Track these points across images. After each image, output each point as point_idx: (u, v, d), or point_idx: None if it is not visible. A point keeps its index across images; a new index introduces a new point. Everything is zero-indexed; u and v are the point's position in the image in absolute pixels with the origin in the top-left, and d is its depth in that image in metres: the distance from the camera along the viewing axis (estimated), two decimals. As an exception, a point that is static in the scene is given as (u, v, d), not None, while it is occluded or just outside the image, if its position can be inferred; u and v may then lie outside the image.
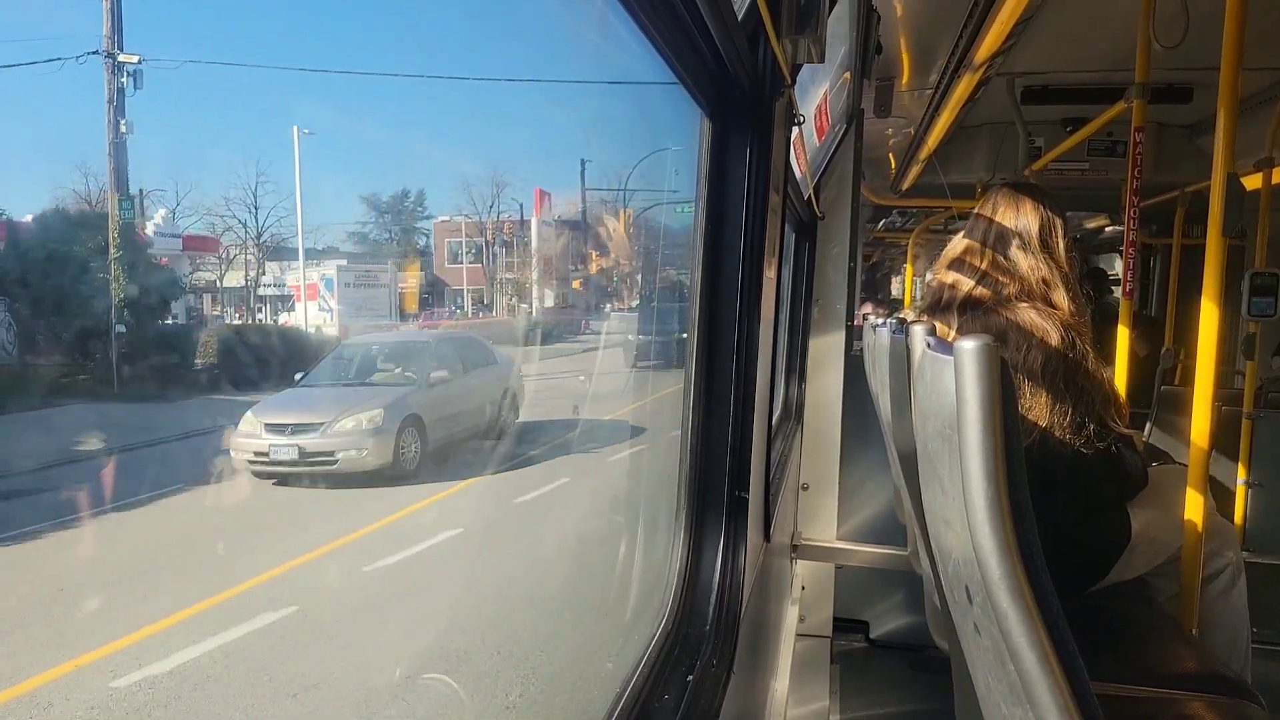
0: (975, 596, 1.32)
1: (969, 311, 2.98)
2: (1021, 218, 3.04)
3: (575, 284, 39.02)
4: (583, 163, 34.65)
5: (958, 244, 3.20)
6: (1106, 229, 11.02)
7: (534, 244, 37.78)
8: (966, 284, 3.04)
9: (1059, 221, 3.06)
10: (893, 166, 8.63)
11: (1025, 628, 1.18)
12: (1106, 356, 4.30)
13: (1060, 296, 2.97)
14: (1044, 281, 2.98)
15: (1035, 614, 1.18)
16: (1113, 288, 11.07)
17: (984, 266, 3.04)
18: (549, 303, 37.66)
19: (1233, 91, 2.91)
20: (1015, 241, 3.02)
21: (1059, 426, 2.77)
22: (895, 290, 28.69)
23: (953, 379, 1.24)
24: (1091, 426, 2.78)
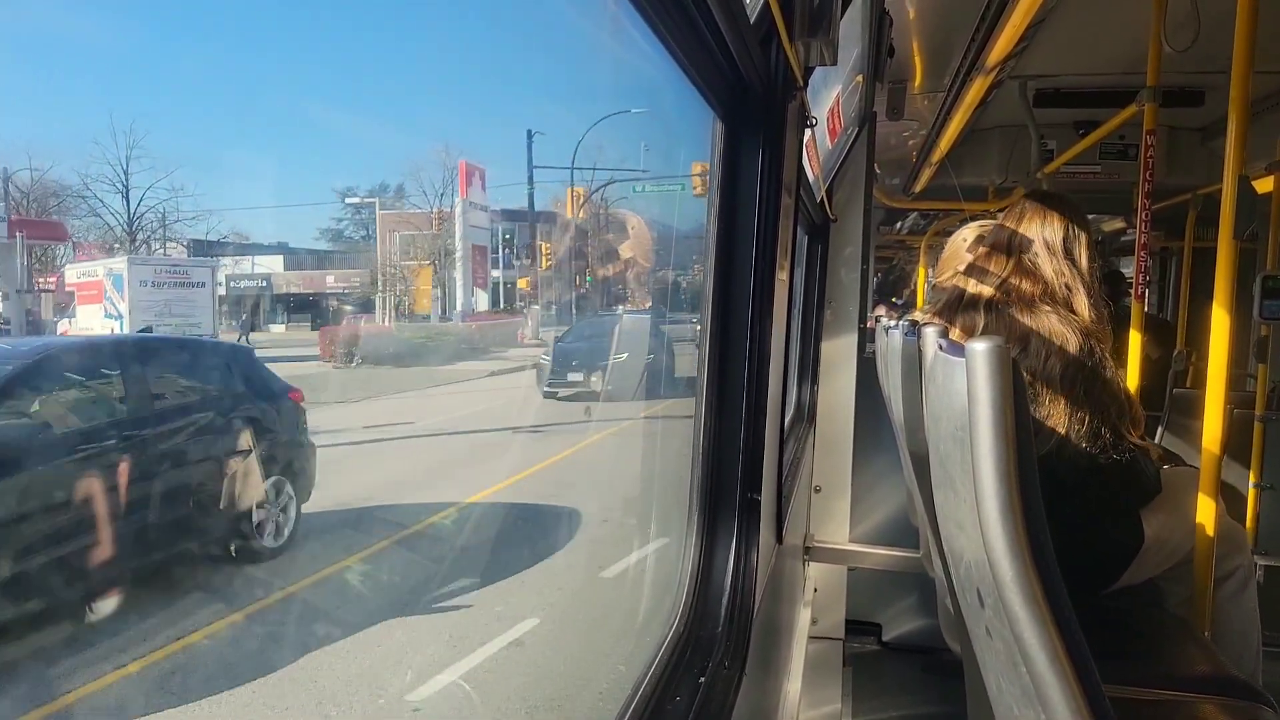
0: (987, 599, 1.33)
1: (993, 310, 3.00)
2: (1048, 226, 3.09)
3: (522, 283, 34.06)
4: (530, 134, 30.19)
5: (980, 248, 3.23)
6: (1128, 232, 10.98)
7: (458, 232, 31.73)
8: (991, 284, 3.07)
9: (1084, 235, 3.12)
10: (905, 169, 8.62)
11: (1037, 630, 1.18)
12: (1121, 360, 4.30)
13: (1081, 302, 3.00)
14: (1066, 286, 3.02)
15: (1048, 616, 1.18)
16: (1129, 291, 11.01)
17: (1009, 267, 3.07)
18: (482, 305, 32.23)
19: (1244, 95, 2.91)
20: (1041, 245, 3.07)
21: (1076, 434, 2.79)
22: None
23: (964, 380, 1.25)
24: (1108, 436, 2.79)
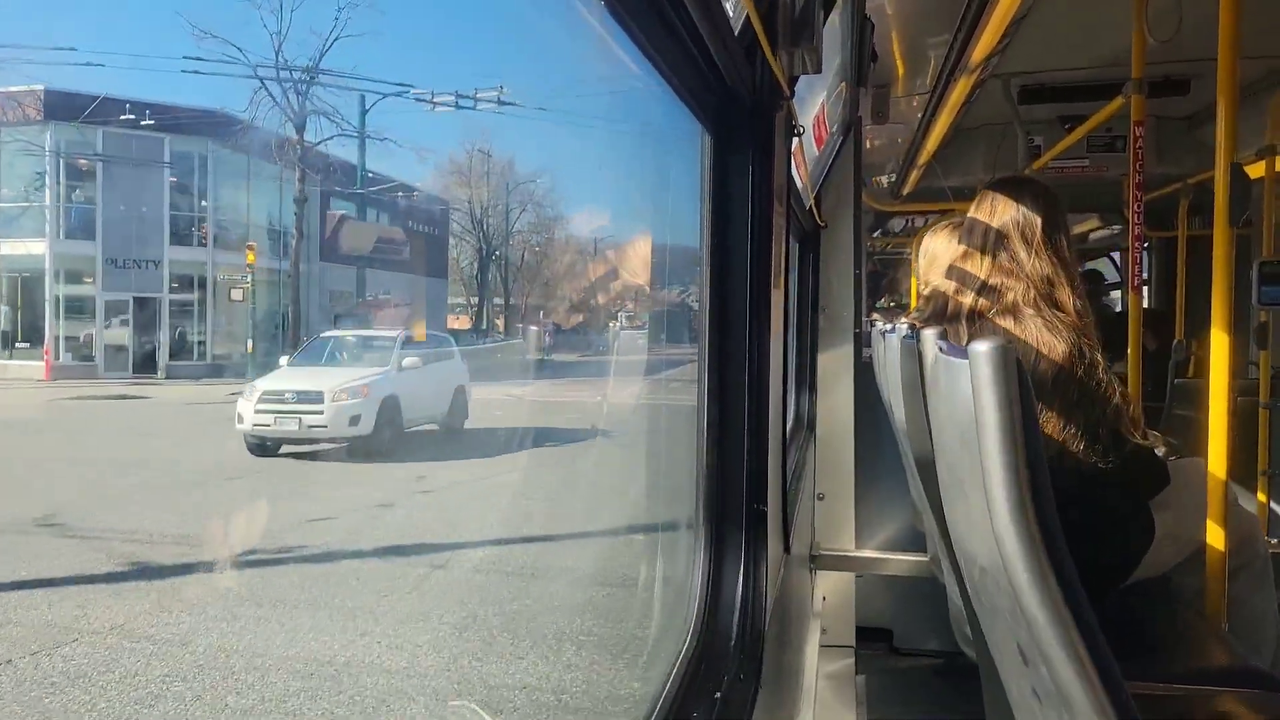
0: (1002, 602, 1.31)
1: (977, 321, 2.95)
2: (1022, 211, 2.96)
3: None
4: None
5: (956, 249, 3.17)
6: (1093, 233, 10.92)
7: None
8: (970, 291, 3.00)
9: (1062, 218, 3.01)
10: (894, 172, 8.63)
11: (1056, 631, 1.17)
12: (1118, 353, 4.28)
13: (1064, 295, 2.91)
14: (1047, 280, 2.91)
15: (1066, 616, 1.16)
16: (1109, 291, 10.98)
17: (987, 269, 2.98)
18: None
19: (1232, 81, 2.90)
20: (1018, 237, 2.94)
21: (1073, 440, 2.74)
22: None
23: (969, 383, 1.23)
24: (1106, 439, 2.76)
